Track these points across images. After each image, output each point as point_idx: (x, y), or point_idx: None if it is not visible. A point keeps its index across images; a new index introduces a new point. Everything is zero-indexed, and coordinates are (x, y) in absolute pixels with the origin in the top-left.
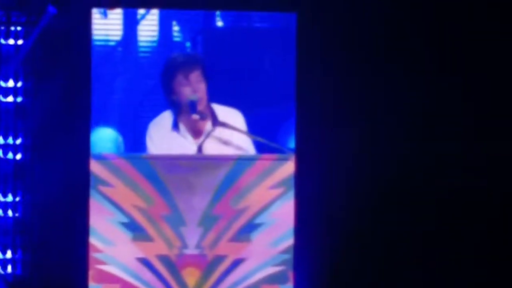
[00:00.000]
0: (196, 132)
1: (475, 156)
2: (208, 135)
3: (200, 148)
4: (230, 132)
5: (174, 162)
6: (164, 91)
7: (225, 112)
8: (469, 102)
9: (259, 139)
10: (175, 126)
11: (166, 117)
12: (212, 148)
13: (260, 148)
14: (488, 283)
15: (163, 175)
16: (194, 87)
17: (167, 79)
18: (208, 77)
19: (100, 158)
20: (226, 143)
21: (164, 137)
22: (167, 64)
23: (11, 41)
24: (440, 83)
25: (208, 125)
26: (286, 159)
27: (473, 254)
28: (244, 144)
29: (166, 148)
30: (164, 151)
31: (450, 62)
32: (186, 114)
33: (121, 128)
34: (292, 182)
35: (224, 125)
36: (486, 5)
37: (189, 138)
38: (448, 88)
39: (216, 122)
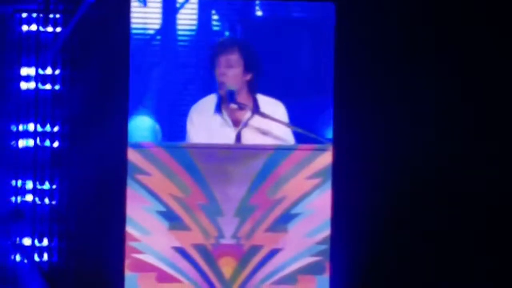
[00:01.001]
0: (235, 121)
1: None
2: (246, 123)
3: (238, 136)
4: (269, 122)
5: (211, 151)
6: (210, 75)
7: (266, 103)
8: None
9: (297, 129)
10: (218, 109)
11: (209, 101)
12: (250, 137)
13: (298, 138)
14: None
15: (200, 164)
16: (222, 70)
17: (209, 61)
18: (249, 64)
19: (138, 146)
20: (265, 132)
21: (205, 121)
22: (210, 47)
23: (50, 29)
24: (483, 75)
25: (247, 113)
26: (323, 150)
27: None
28: (283, 134)
29: (206, 132)
30: (203, 135)
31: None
32: (226, 101)
33: (158, 117)
34: (329, 173)
35: (262, 115)
36: None
37: (230, 124)
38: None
39: (255, 111)
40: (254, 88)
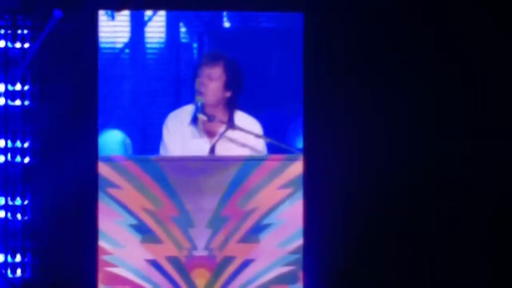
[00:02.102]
0: (209, 133)
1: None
2: (221, 136)
3: (213, 149)
4: (244, 136)
5: (182, 163)
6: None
7: (244, 119)
8: (488, 101)
9: (268, 139)
10: (194, 121)
11: (186, 111)
12: (225, 149)
13: (269, 149)
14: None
15: (171, 176)
16: (203, 81)
17: (193, 70)
18: (232, 82)
19: (108, 160)
20: (240, 145)
21: (181, 130)
22: (198, 57)
23: (18, 45)
24: (449, 83)
25: (222, 127)
26: (294, 159)
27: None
28: (258, 146)
29: (180, 141)
30: (178, 144)
31: (459, 62)
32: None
33: (128, 130)
34: (300, 182)
35: (236, 127)
36: None
37: (204, 136)
38: (457, 87)
39: (230, 125)
40: (233, 105)
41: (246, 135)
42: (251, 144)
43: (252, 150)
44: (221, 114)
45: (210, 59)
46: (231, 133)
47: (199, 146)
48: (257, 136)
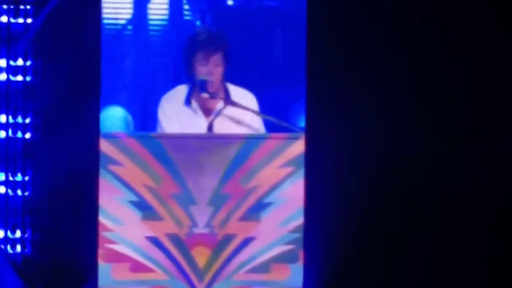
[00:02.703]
0: (207, 111)
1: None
2: (218, 113)
3: (210, 126)
4: (241, 111)
5: (184, 141)
6: (183, 63)
7: (237, 92)
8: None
9: (269, 117)
10: (187, 101)
11: (180, 91)
12: (222, 126)
13: (271, 127)
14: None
15: (173, 154)
16: (211, 69)
17: (187, 53)
18: (228, 60)
19: (110, 137)
20: (237, 122)
21: (176, 111)
22: (191, 38)
23: (20, 20)
24: (457, 70)
25: (219, 104)
26: (296, 138)
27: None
28: (255, 123)
29: (177, 122)
30: (175, 126)
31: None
32: (198, 92)
33: (130, 107)
34: (302, 161)
35: (235, 104)
36: None
37: (201, 114)
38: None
39: (227, 101)
40: (224, 79)
41: (243, 111)
42: (249, 121)
43: (249, 126)
44: (216, 89)
45: (212, 44)
46: (228, 110)
47: (196, 125)
48: (257, 114)
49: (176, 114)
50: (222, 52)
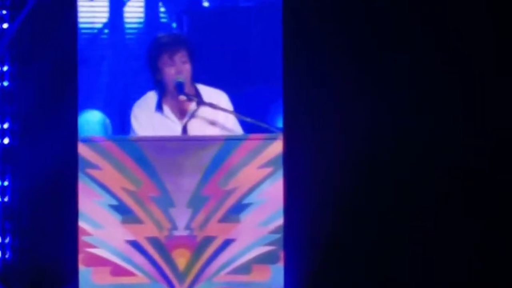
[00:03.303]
0: (181, 113)
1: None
2: (192, 115)
3: (184, 129)
4: (215, 112)
5: (161, 143)
6: (149, 70)
7: (209, 93)
8: (466, 98)
9: (246, 118)
10: (159, 107)
11: (150, 97)
12: (197, 128)
13: (248, 128)
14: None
15: (151, 156)
16: (178, 67)
17: (152, 58)
18: (194, 58)
19: (88, 140)
20: (211, 123)
21: (149, 118)
22: (152, 43)
23: None
24: (435, 68)
25: (192, 105)
26: (274, 139)
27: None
28: (230, 124)
29: (151, 128)
30: (149, 132)
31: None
32: (171, 95)
33: (108, 111)
34: (280, 162)
35: (209, 105)
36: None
37: (174, 118)
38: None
39: (200, 102)
40: (193, 78)
41: (216, 111)
42: (224, 121)
43: (223, 126)
44: (189, 91)
45: (175, 43)
46: (201, 111)
47: (170, 129)
48: (234, 114)
49: (149, 120)
50: (186, 49)
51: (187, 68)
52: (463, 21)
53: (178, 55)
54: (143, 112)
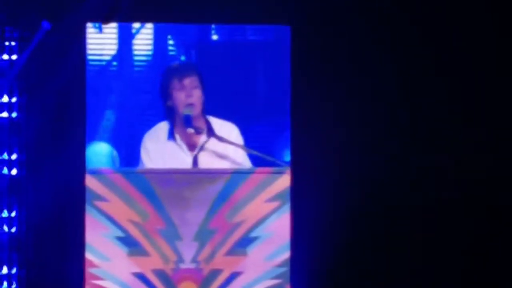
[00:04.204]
0: (191, 145)
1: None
2: (202, 147)
3: (195, 160)
4: (225, 145)
5: (169, 176)
6: (161, 97)
7: (220, 126)
8: (469, 109)
9: (254, 152)
10: (171, 136)
11: (161, 128)
12: (207, 160)
13: (256, 161)
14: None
15: (158, 189)
16: (189, 92)
17: (163, 85)
18: (204, 85)
19: (96, 172)
20: (221, 156)
21: (160, 148)
22: (164, 72)
23: (5, 56)
24: (437, 95)
25: (202, 137)
26: (281, 172)
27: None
28: (239, 157)
29: (161, 159)
30: (159, 163)
31: (446, 70)
32: (182, 126)
33: (116, 143)
34: (288, 195)
35: (219, 138)
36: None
37: (185, 149)
38: (444, 96)
39: (211, 134)
40: (205, 112)
41: (226, 144)
42: (234, 154)
43: (233, 160)
44: (202, 124)
45: (186, 69)
46: (211, 143)
47: (181, 160)
48: (243, 148)
49: (159, 151)
50: (197, 75)
51: (197, 93)
52: (463, 21)
53: (188, 79)
54: (154, 144)
